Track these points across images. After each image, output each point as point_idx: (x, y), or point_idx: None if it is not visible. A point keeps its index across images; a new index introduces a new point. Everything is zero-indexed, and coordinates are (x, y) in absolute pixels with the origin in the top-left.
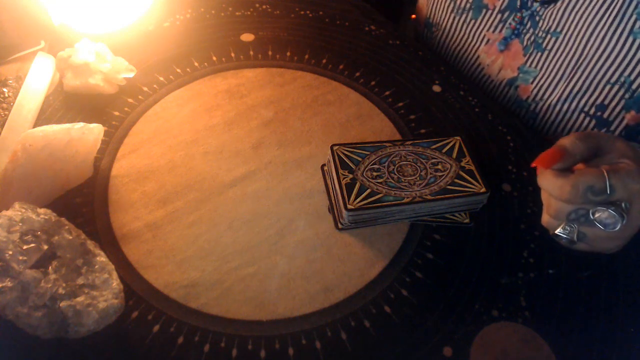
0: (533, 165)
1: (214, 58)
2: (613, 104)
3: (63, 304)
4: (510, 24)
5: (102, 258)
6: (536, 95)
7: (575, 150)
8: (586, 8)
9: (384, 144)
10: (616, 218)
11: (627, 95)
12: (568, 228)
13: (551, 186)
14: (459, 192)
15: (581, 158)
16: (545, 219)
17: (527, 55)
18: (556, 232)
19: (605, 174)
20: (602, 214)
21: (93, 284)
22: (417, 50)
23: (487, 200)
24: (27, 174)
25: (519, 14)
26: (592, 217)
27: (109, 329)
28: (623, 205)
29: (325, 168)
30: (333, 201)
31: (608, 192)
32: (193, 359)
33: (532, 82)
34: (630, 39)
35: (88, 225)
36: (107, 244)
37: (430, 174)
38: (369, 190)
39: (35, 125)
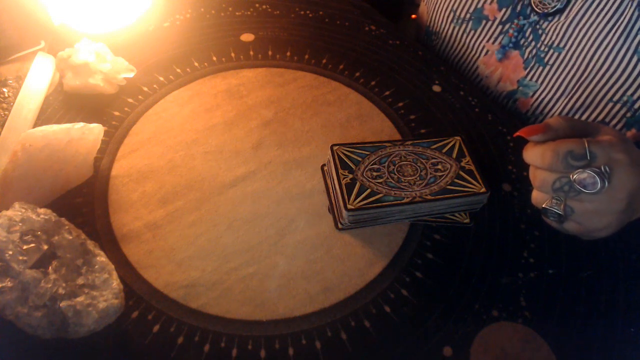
0: (516, 135)
1: (214, 58)
2: (614, 121)
3: (63, 304)
4: (508, 31)
5: (102, 258)
6: (536, 109)
7: (557, 126)
8: (591, 25)
9: (384, 144)
10: (595, 179)
11: (628, 114)
12: (554, 201)
13: (533, 155)
14: (459, 192)
15: (564, 135)
16: (534, 194)
17: (528, 68)
18: (544, 205)
19: (586, 142)
20: (581, 175)
21: (93, 284)
22: (417, 50)
23: (487, 200)
24: (27, 174)
25: (516, 21)
26: (572, 179)
27: (109, 329)
28: (603, 168)
29: (325, 168)
30: (333, 201)
31: (588, 157)
32: (193, 359)
33: (532, 96)
34: (635, 59)
35: (88, 225)
36: (107, 244)
37: (430, 174)
38: (369, 190)
39: (35, 125)
